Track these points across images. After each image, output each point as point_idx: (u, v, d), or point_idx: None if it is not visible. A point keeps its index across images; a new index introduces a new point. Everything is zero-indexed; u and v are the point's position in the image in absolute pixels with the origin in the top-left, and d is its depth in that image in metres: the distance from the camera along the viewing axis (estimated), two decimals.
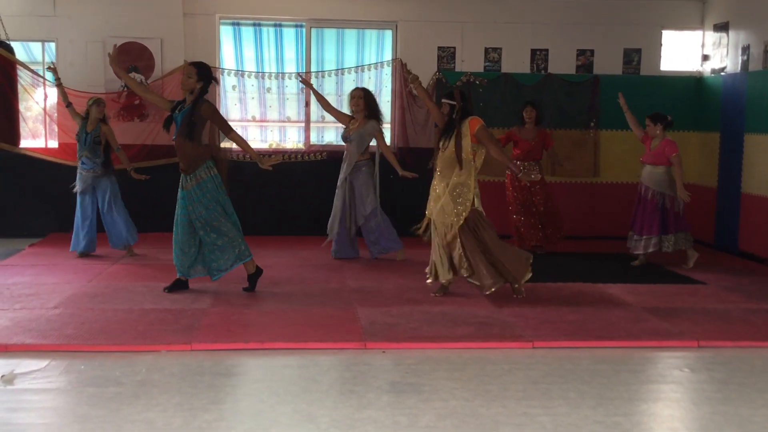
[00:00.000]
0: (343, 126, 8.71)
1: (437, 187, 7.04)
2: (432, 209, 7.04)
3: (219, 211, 6.90)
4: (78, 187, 8.62)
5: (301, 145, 10.53)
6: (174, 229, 7.01)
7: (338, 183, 8.67)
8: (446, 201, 6.91)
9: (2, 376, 4.85)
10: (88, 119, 8.55)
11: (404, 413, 4.40)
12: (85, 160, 8.54)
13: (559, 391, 4.81)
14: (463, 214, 6.88)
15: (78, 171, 8.63)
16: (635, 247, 8.72)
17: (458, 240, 6.91)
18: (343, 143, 8.83)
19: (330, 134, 10.71)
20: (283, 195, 10.28)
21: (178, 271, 7.08)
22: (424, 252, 9.08)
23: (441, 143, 7.03)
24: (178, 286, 7.10)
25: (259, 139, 10.66)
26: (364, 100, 8.47)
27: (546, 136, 9.22)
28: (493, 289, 6.86)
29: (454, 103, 6.97)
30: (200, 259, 7.06)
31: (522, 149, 9.13)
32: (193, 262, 7.04)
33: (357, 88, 8.69)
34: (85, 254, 8.68)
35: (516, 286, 7.04)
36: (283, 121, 10.67)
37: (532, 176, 8.58)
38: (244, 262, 7.07)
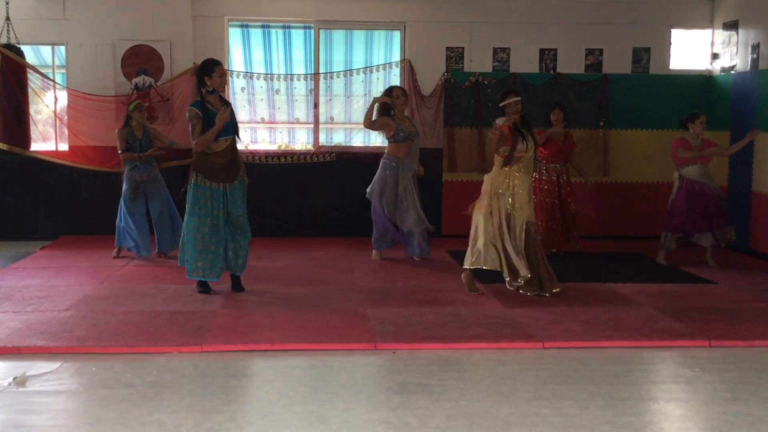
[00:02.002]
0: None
1: (523, 187, 7.06)
2: (525, 213, 7.06)
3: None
4: (130, 194, 8.53)
5: (310, 147, 10.54)
6: (212, 231, 6.84)
7: (398, 183, 8.53)
8: (531, 198, 7.13)
9: (14, 378, 4.88)
10: (131, 126, 8.48)
11: (415, 414, 4.40)
12: (140, 165, 8.51)
13: (570, 391, 4.81)
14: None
15: (130, 177, 8.51)
16: (723, 238, 8.62)
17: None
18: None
19: (339, 135, 10.72)
20: (293, 196, 10.29)
21: (210, 275, 6.95)
22: (431, 252, 9.10)
23: (523, 144, 7.05)
24: (208, 287, 7.12)
25: (268, 140, 10.68)
26: (405, 96, 8.60)
27: (572, 139, 9.21)
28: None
29: (520, 98, 7.12)
30: (222, 257, 7.00)
31: (552, 150, 9.06)
32: (220, 261, 6.99)
33: (398, 87, 8.74)
34: (164, 254, 8.71)
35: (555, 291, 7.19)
36: (292, 123, 10.69)
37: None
38: None
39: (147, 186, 8.59)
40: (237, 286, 7.17)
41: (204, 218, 6.84)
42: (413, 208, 8.54)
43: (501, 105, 7.11)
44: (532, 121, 9.17)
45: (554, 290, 7.11)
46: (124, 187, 8.58)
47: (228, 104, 6.95)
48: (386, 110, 8.51)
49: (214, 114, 6.74)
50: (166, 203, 8.66)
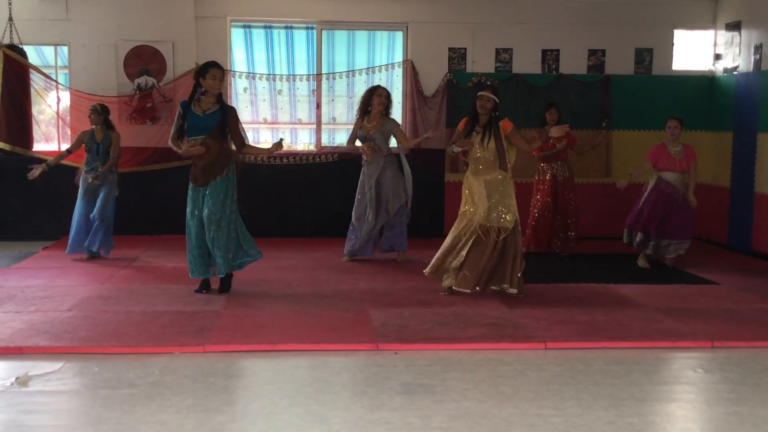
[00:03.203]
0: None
1: (476, 186, 7.01)
2: (479, 213, 6.97)
3: (233, 209, 6.99)
4: (82, 192, 8.60)
5: (312, 147, 10.55)
6: (188, 229, 7.00)
7: (365, 185, 8.52)
8: (495, 200, 6.97)
9: (17, 378, 4.88)
10: (94, 129, 8.54)
11: (417, 414, 4.40)
12: (98, 168, 8.52)
13: (572, 392, 4.80)
14: (510, 216, 6.98)
15: (84, 177, 8.59)
16: (673, 250, 8.52)
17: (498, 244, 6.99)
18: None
19: (341, 136, 10.72)
20: (295, 197, 10.29)
21: (195, 273, 7.05)
22: (430, 253, 9.09)
23: (480, 141, 7.00)
24: (206, 286, 7.15)
25: (270, 141, 10.67)
26: (388, 99, 8.51)
27: (569, 136, 9.16)
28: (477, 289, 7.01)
29: (497, 100, 7.06)
30: (204, 256, 7.05)
31: (545, 151, 9.06)
32: (208, 260, 7.04)
33: (384, 88, 8.63)
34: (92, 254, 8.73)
35: (503, 286, 7.01)
36: (295, 123, 10.69)
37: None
38: (253, 260, 7.19)
39: (99, 189, 8.57)
40: (221, 286, 7.14)
41: (189, 218, 6.97)
42: (386, 188, 8.49)
43: (488, 94, 7.06)
44: (531, 122, 9.20)
45: (504, 287, 6.96)
46: (79, 187, 8.65)
47: (224, 106, 6.94)
48: (365, 109, 8.50)
49: (192, 115, 6.84)
50: (107, 206, 8.58)
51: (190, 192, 6.99)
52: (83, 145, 8.57)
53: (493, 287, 7.03)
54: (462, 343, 5.73)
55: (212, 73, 6.82)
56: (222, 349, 5.55)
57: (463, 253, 6.99)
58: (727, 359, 5.51)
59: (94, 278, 7.72)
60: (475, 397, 4.70)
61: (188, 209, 6.98)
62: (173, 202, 9.75)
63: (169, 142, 7.03)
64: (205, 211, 6.88)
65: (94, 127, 8.54)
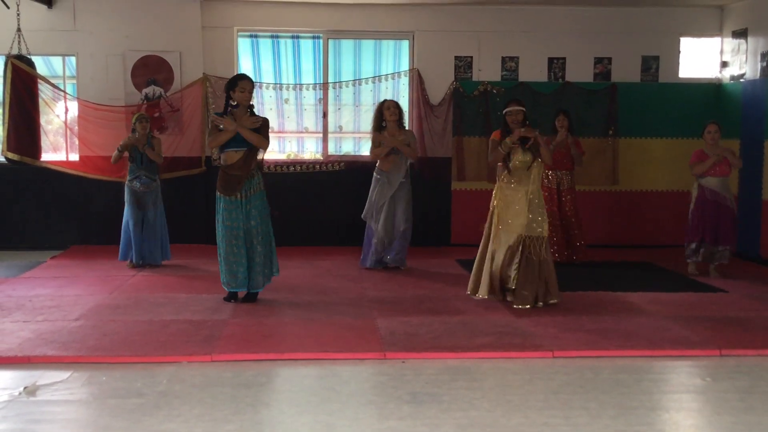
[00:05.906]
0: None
1: (516, 199, 7.00)
2: (519, 225, 6.95)
3: (269, 222, 7.09)
4: (132, 203, 8.60)
5: (319, 156, 10.57)
6: (230, 242, 6.91)
7: (387, 195, 8.53)
8: (534, 211, 6.98)
9: (25, 388, 4.90)
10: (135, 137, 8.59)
11: (424, 423, 4.40)
12: (142, 177, 8.57)
13: (580, 400, 4.79)
14: (546, 225, 7.04)
15: (129, 187, 8.60)
16: (719, 257, 8.48)
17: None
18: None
19: (348, 144, 10.75)
20: (301, 205, 10.30)
21: (234, 286, 7.02)
22: (437, 261, 9.10)
23: (520, 153, 7.02)
24: (235, 297, 7.16)
25: (277, 150, 10.70)
26: (398, 110, 8.57)
27: (576, 144, 9.17)
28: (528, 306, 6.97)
29: (524, 109, 7.08)
30: (245, 267, 7.02)
31: (554, 157, 9.06)
32: (248, 273, 7.01)
33: (391, 99, 8.72)
34: (145, 264, 8.77)
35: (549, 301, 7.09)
36: (301, 132, 10.72)
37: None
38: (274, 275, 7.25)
39: (146, 196, 8.62)
40: (248, 297, 7.17)
41: (224, 230, 6.93)
42: (403, 201, 8.53)
43: (503, 112, 7.12)
44: (540, 130, 9.16)
45: (550, 301, 7.04)
46: (125, 197, 8.66)
47: (258, 117, 7.00)
48: (379, 124, 8.53)
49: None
50: (159, 215, 8.70)
51: (224, 204, 6.92)
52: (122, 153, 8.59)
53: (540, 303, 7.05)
54: (470, 351, 5.72)
55: (241, 86, 6.85)
56: (230, 358, 5.56)
57: (513, 270, 6.94)
58: (735, 368, 5.49)
59: (102, 287, 7.74)
60: (483, 406, 4.70)
61: (226, 223, 6.91)
62: (181, 211, 9.81)
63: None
64: (252, 223, 6.91)
65: (136, 134, 8.56)
